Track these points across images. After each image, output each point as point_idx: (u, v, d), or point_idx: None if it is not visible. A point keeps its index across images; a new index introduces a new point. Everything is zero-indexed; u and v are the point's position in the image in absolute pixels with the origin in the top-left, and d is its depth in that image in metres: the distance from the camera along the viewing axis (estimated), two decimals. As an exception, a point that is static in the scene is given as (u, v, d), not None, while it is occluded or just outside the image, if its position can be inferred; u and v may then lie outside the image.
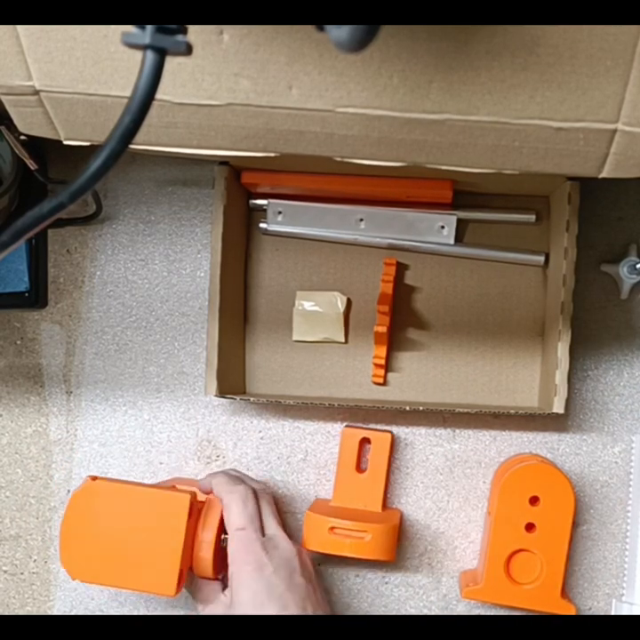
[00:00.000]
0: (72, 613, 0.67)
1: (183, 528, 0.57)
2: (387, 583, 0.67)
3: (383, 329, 0.63)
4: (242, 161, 0.62)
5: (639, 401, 0.66)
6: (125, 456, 0.68)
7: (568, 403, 0.61)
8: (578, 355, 0.66)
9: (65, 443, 0.69)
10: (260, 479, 0.67)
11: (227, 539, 0.59)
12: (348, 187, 0.63)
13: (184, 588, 0.59)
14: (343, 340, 0.68)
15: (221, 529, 0.60)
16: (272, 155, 0.44)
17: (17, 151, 0.57)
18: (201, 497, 0.61)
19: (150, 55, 0.30)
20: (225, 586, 0.60)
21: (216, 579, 0.60)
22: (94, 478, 0.59)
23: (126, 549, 0.57)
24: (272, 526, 0.59)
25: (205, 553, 0.59)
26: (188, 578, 0.60)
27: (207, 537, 0.59)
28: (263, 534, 0.58)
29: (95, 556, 0.58)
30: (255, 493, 0.60)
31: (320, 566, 0.66)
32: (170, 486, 0.62)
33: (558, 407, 0.60)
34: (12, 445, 0.69)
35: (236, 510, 0.58)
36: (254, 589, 0.54)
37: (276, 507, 0.63)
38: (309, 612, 0.54)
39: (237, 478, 0.61)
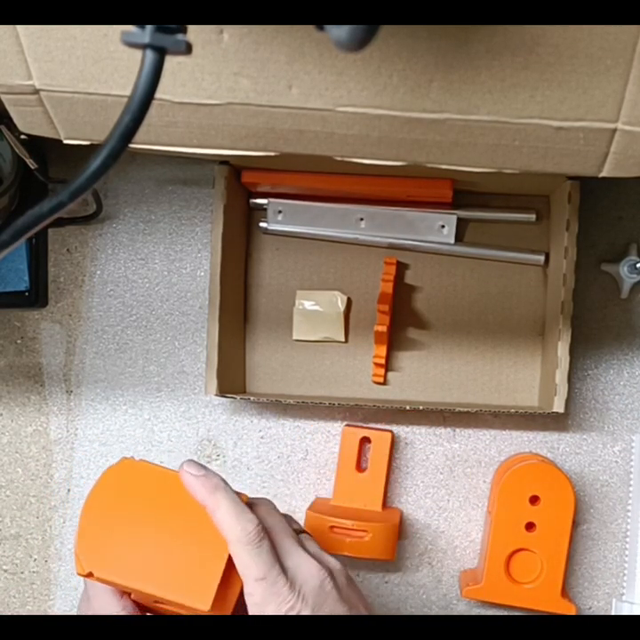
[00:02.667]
0: (72, 613, 0.67)
1: None
2: (387, 583, 0.67)
3: (383, 328, 0.63)
4: (242, 160, 0.62)
5: (639, 400, 0.66)
6: (126, 455, 0.68)
7: (568, 402, 0.61)
8: (578, 354, 0.66)
9: (65, 442, 0.69)
10: (259, 477, 0.67)
11: None
12: (349, 186, 0.63)
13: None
14: (343, 340, 0.68)
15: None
16: (272, 154, 0.44)
17: (17, 150, 0.57)
18: None
19: (150, 54, 0.30)
20: None
21: None
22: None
23: (159, 547, 0.48)
24: (291, 552, 0.49)
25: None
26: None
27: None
28: (284, 568, 0.48)
29: (121, 549, 0.48)
30: (263, 520, 0.49)
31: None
32: None
33: (558, 406, 0.60)
34: (12, 444, 0.69)
35: (249, 559, 0.47)
36: None
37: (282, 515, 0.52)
38: None
39: (239, 506, 0.48)
